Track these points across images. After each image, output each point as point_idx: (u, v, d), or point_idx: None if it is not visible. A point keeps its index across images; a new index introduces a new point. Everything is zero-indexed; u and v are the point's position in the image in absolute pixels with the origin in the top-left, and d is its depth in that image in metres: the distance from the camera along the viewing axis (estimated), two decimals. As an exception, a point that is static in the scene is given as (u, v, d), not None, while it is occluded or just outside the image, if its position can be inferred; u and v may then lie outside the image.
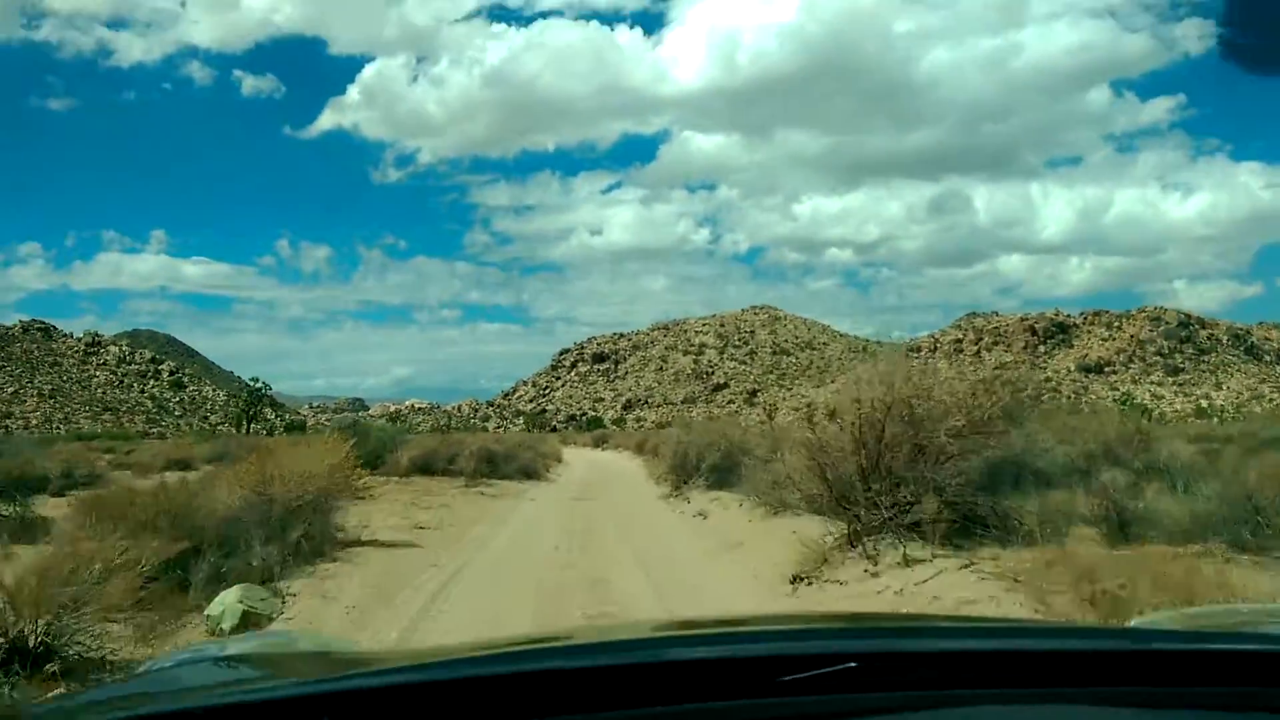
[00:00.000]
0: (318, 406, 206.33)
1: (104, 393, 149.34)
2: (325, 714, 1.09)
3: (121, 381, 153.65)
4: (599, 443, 60.80)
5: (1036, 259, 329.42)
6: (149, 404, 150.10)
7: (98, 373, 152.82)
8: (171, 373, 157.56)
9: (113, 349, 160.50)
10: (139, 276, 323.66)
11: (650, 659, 1.32)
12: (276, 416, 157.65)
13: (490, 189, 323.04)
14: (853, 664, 1.22)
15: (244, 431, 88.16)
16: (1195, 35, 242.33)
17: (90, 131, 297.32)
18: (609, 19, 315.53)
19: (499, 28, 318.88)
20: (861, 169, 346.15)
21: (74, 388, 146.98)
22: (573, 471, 32.45)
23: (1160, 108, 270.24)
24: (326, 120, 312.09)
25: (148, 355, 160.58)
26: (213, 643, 2.06)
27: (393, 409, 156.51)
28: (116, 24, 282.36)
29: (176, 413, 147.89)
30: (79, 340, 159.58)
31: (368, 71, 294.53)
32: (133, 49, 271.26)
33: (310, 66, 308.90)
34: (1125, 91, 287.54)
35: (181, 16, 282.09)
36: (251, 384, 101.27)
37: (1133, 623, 2.02)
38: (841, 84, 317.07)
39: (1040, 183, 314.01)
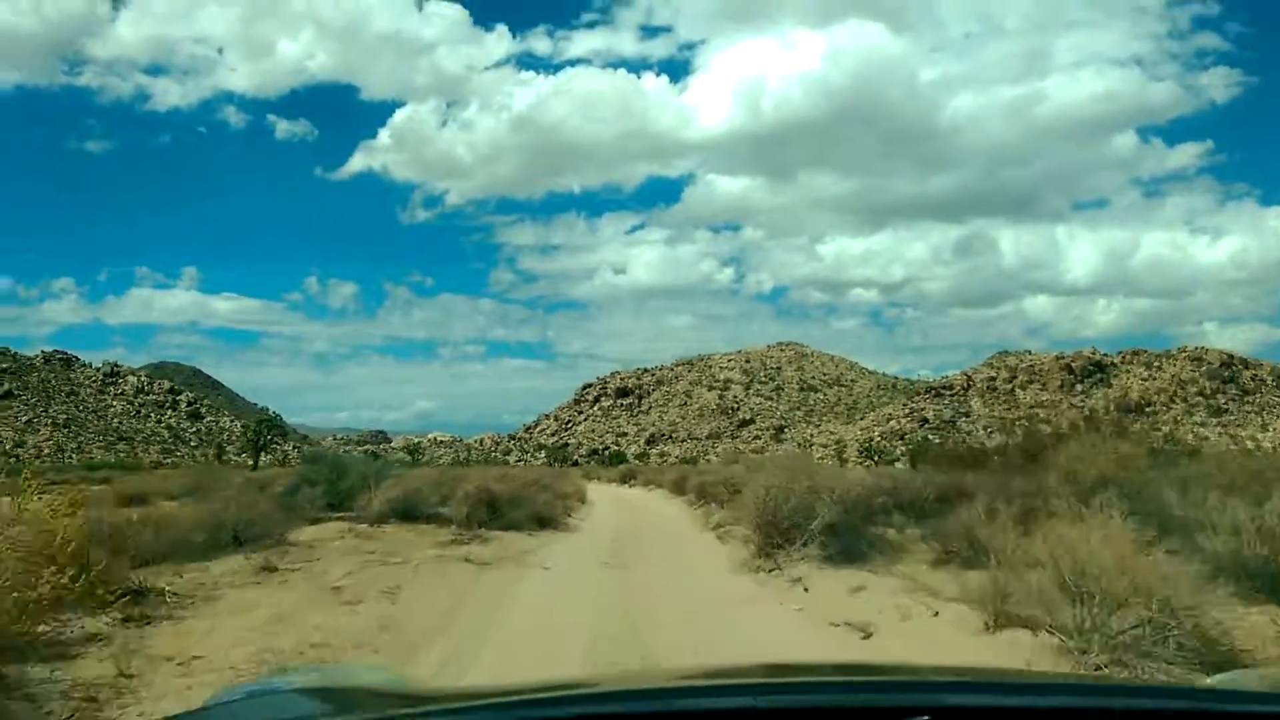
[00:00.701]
0: (341, 439, 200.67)
1: (120, 423, 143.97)
2: None
3: (139, 412, 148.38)
4: (625, 478, 53.78)
5: (1063, 300, 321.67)
6: (165, 434, 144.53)
7: (115, 403, 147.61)
8: (189, 403, 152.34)
9: (131, 379, 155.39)
10: (169, 311, 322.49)
11: (721, 705, 1.28)
12: (294, 447, 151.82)
13: (516, 229, 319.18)
14: (925, 717, 1.19)
15: (254, 464, 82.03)
16: (1221, 84, 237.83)
17: (126, 172, 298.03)
18: (636, 67, 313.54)
19: (527, 75, 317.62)
20: (886, 211, 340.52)
21: (90, 417, 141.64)
22: (599, 516, 25.46)
23: (1187, 153, 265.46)
24: (357, 162, 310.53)
25: (166, 386, 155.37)
26: (277, 677, 2.11)
27: (414, 441, 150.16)
28: (155, 70, 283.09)
29: (193, 443, 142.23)
30: (98, 370, 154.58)
31: (398, 116, 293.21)
32: (169, 94, 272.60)
33: (342, 111, 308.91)
34: (1152, 137, 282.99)
35: (219, 64, 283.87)
36: (262, 414, 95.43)
37: (1210, 681, 1.93)
38: (866, 129, 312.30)
39: (1066, 225, 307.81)
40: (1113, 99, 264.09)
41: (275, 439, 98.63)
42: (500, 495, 18.84)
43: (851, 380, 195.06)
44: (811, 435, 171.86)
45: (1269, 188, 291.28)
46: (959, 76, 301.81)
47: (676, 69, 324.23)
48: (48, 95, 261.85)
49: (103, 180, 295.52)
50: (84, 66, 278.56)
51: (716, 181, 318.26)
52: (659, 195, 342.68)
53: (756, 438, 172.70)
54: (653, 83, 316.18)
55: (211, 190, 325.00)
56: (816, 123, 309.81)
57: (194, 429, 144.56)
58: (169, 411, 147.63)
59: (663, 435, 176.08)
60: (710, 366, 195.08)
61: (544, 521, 19.29)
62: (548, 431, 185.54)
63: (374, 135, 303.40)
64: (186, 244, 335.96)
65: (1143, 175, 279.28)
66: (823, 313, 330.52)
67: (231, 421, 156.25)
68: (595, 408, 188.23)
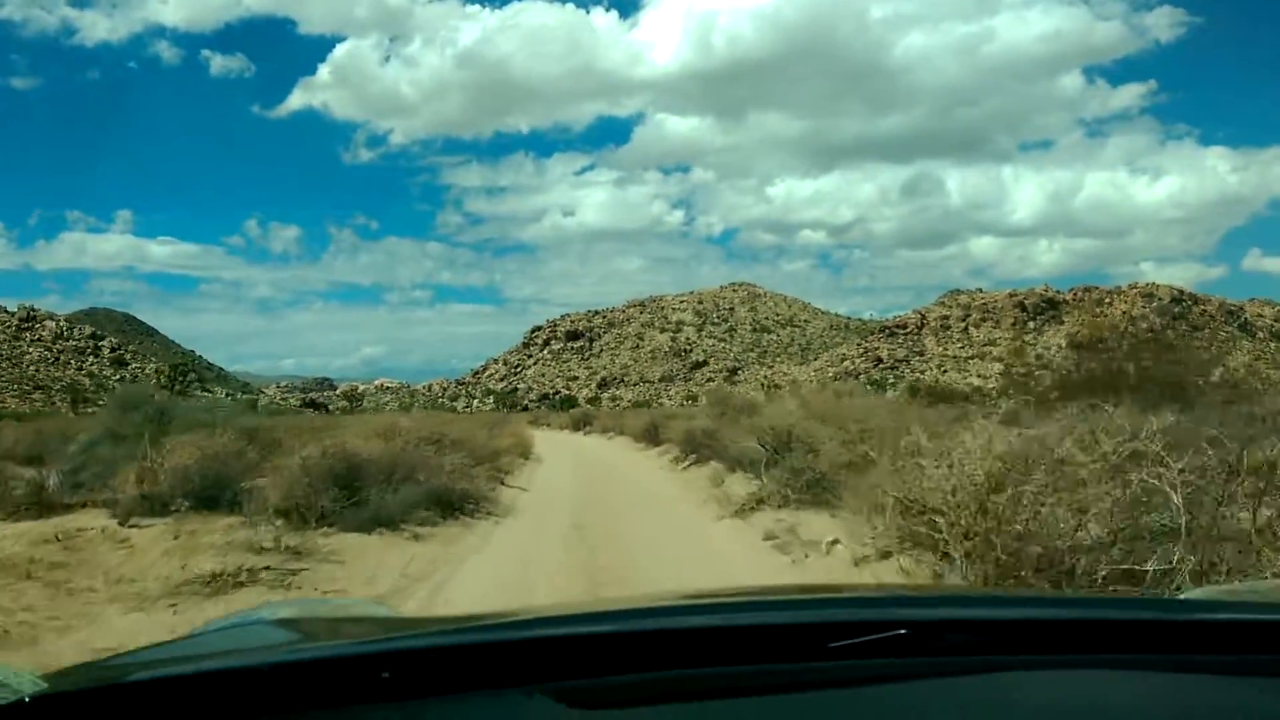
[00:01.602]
0: (285, 386, 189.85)
1: (36, 370, 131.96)
2: (385, 670, 1.09)
3: (57, 359, 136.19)
4: (579, 424, 45.61)
5: (1007, 241, 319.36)
6: (86, 382, 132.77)
7: (31, 349, 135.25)
8: (113, 349, 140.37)
9: (49, 324, 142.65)
10: (104, 256, 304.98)
11: (706, 624, 1.30)
12: (227, 394, 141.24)
13: (463, 170, 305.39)
14: (903, 630, 1.20)
15: None
16: (1166, 23, 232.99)
17: (54, 110, 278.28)
18: (585, 1, 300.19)
19: (473, 9, 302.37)
20: (835, 152, 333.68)
21: (2, 365, 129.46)
22: (548, 483, 17.23)
23: (1131, 93, 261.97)
24: (296, 100, 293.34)
25: (87, 331, 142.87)
26: (264, 607, 2.11)
27: (355, 388, 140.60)
28: (81, 2, 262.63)
29: (117, 391, 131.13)
30: (12, 315, 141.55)
31: (339, 51, 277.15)
32: (98, 28, 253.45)
33: (280, 46, 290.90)
34: (1097, 77, 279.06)
35: None
36: (179, 357, 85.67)
37: (1181, 596, 1.99)
38: (816, 68, 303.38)
39: (1012, 166, 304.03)
40: (1060, 38, 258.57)
41: (194, 385, 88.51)
42: (369, 462, 10.49)
43: (805, 321, 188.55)
44: (766, 376, 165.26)
45: (1208, 127, 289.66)
46: (910, 14, 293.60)
47: (626, 4, 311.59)
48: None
49: (30, 119, 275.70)
50: None
51: (667, 121, 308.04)
52: (608, 135, 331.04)
53: (710, 380, 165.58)
54: (602, 18, 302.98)
55: (145, 129, 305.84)
56: (767, 61, 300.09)
57: (117, 376, 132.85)
58: (90, 359, 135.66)
59: (615, 379, 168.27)
60: (662, 308, 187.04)
61: (452, 504, 11.03)
62: (496, 376, 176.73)
63: (313, 71, 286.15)
64: (120, 186, 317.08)
65: (1087, 115, 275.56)
66: (772, 255, 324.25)
67: (158, 370, 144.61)
68: (545, 351, 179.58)
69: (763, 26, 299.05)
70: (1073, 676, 1.21)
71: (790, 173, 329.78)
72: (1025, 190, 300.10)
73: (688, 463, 18.34)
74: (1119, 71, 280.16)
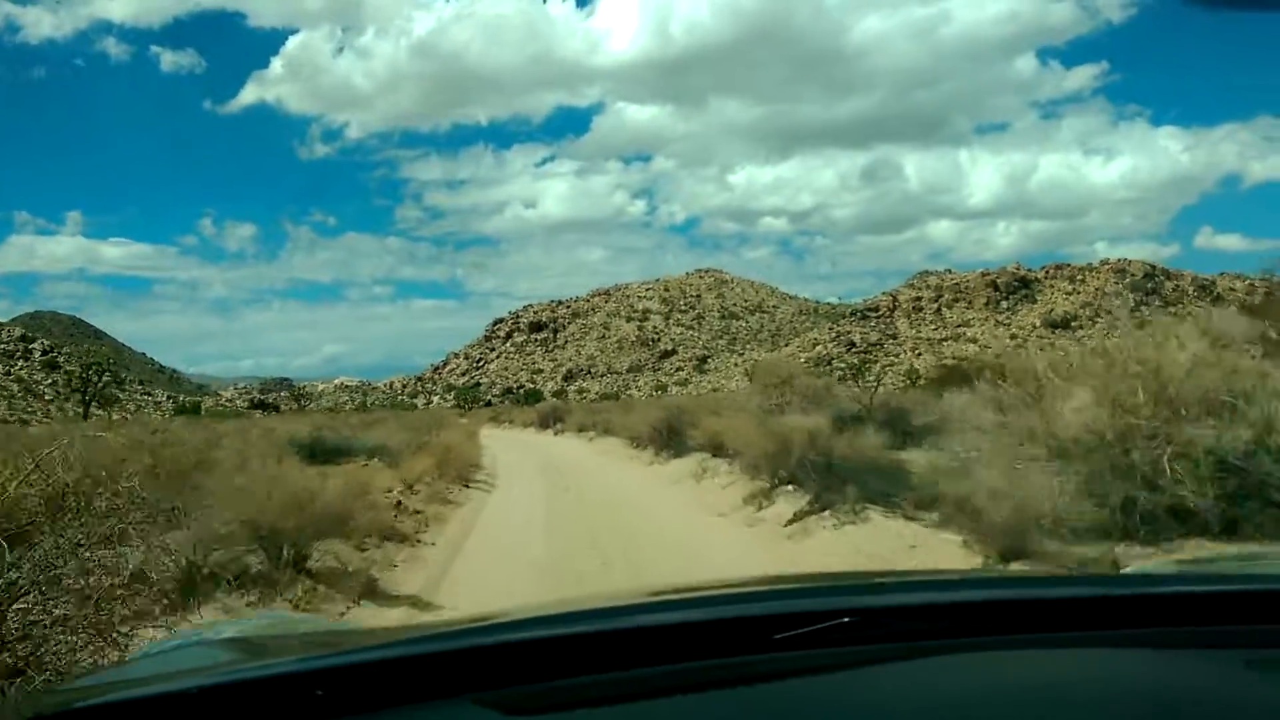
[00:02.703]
0: (242, 388, 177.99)
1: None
2: (319, 688, 1.05)
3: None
4: (547, 421, 36.17)
5: (965, 224, 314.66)
6: (14, 387, 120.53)
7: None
8: (45, 352, 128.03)
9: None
10: (53, 259, 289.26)
11: (647, 623, 1.27)
12: (169, 398, 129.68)
13: (421, 163, 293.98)
14: (846, 619, 1.18)
15: (85, 417, 62.10)
16: (1117, 4, 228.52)
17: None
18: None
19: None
20: (795, 138, 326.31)
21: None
22: (501, 552, 7.49)
23: (1084, 74, 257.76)
24: (249, 94, 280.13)
25: (16, 333, 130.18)
26: (207, 626, 2.04)
27: (302, 388, 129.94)
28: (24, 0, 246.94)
29: (48, 396, 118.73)
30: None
31: (291, 44, 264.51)
32: (42, 24, 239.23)
33: (231, 40, 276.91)
34: (1050, 59, 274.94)
35: None
36: (93, 354, 74.95)
37: (1126, 570, 2.00)
38: (774, 53, 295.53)
39: (969, 149, 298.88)
40: (1015, 20, 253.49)
41: (110, 386, 77.48)
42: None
43: (773, 306, 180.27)
44: (735, 364, 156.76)
45: (1159, 107, 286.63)
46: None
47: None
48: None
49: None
50: None
51: (626, 110, 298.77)
52: (568, 126, 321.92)
53: (679, 369, 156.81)
54: (558, 7, 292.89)
55: (94, 128, 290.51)
56: (726, 47, 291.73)
57: (49, 380, 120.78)
58: (20, 362, 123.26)
59: (581, 371, 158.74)
60: (628, 297, 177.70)
61: None
62: (458, 371, 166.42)
63: (266, 65, 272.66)
64: (69, 186, 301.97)
65: (1041, 97, 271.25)
66: (735, 243, 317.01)
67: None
68: (508, 344, 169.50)
69: (720, 12, 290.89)
70: (1016, 656, 1.20)
71: (751, 160, 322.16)
72: (982, 173, 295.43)
73: (822, 518, 8.80)
74: (1072, 53, 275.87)
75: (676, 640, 1.19)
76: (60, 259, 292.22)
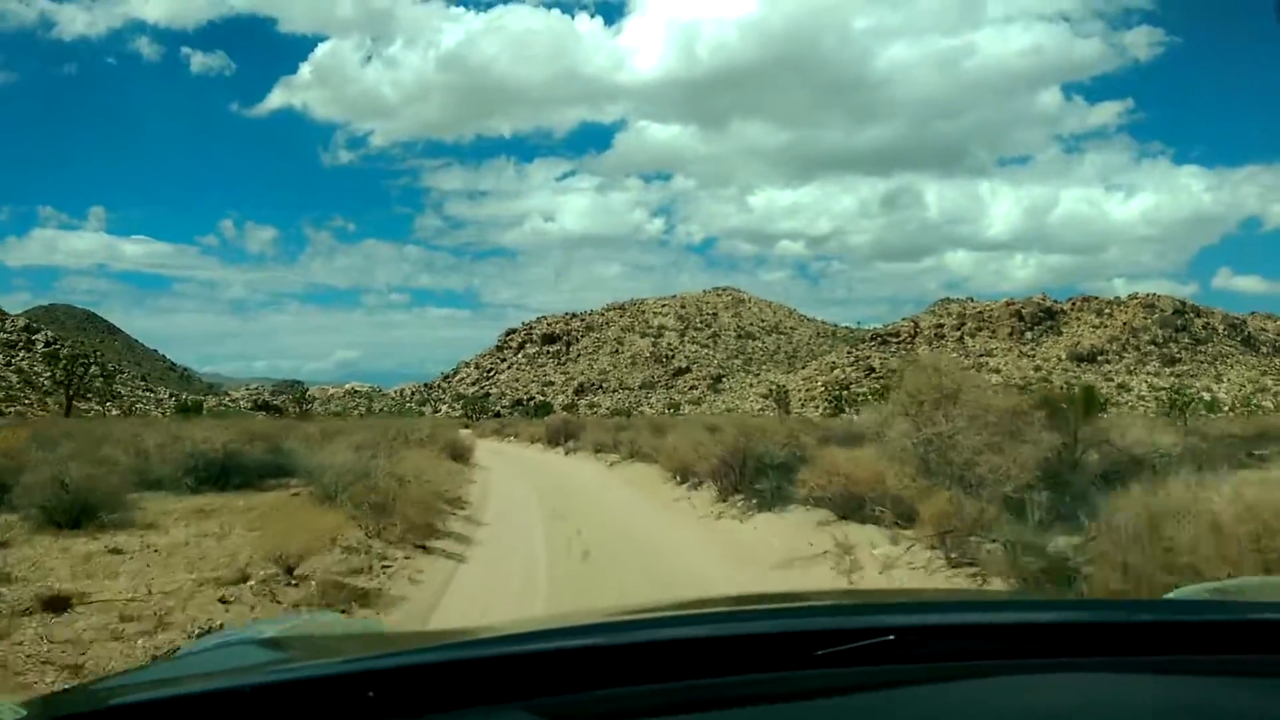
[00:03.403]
0: (255, 389, 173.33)
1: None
2: (371, 689, 1.05)
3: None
4: (557, 439, 30.42)
5: (983, 255, 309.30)
6: (13, 378, 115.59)
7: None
8: (47, 344, 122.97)
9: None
10: (75, 254, 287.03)
11: (691, 635, 1.26)
12: (171, 396, 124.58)
13: (443, 173, 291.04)
14: (890, 636, 1.17)
15: (68, 411, 56.85)
16: (1145, 42, 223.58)
17: (29, 105, 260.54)
18: (569, 6, 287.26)
19: (457, 10, 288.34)
20: (815, 163, 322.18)
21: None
22: None
23: (1108, 111, 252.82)
24: (276, 99, 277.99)
25: (20, 324, 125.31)
26: (249, 626, 2.00)
27: (303, 390, 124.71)
28: None
29: (46, 388, 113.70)
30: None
31: (320, 51, 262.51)
32: (76, 22, 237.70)
33: (261, 44, 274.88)
34: (1075, 94, 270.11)
35: None
36: (62, 349, 69.78)
37: (1169, 595, 1.91)
38: (799, 78, 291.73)
39: (990, 181, 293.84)
40: (1040, 54, 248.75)
41: (98, 380, 72.04)
42: None
43: (790, 328, 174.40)
44: (750, 384, 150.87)
45: (1182, 146, 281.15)
46: (893, 26, 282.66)
47: (611, 10, 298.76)
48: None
49: (3, 113, 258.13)
50: None
51: (649, 128, 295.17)
52: (590, 141, 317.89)
53: (693, 387, 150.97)
54: (586, 24, 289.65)
55: (121, 126, 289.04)
56: (751, 70, 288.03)
57: (48, 373, 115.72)
58: (21, 353, 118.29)
59: (592, 385, 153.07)
60: (643, 312, 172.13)
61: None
62: (468, 380, 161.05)
63: (294, 71, 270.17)
64: (94, 182, 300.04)
65: (1064, 132, 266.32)
66: (751, 264, 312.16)
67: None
68: (519, 355, 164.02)
69: (747, 35, 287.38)
70: (1060, 680, 1.18)
71: (770, 183, 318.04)
72: (1002, 205, 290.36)
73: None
74: (1097, 89, 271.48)
75: (718, 654, 1.17)
76: (82, 254, 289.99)
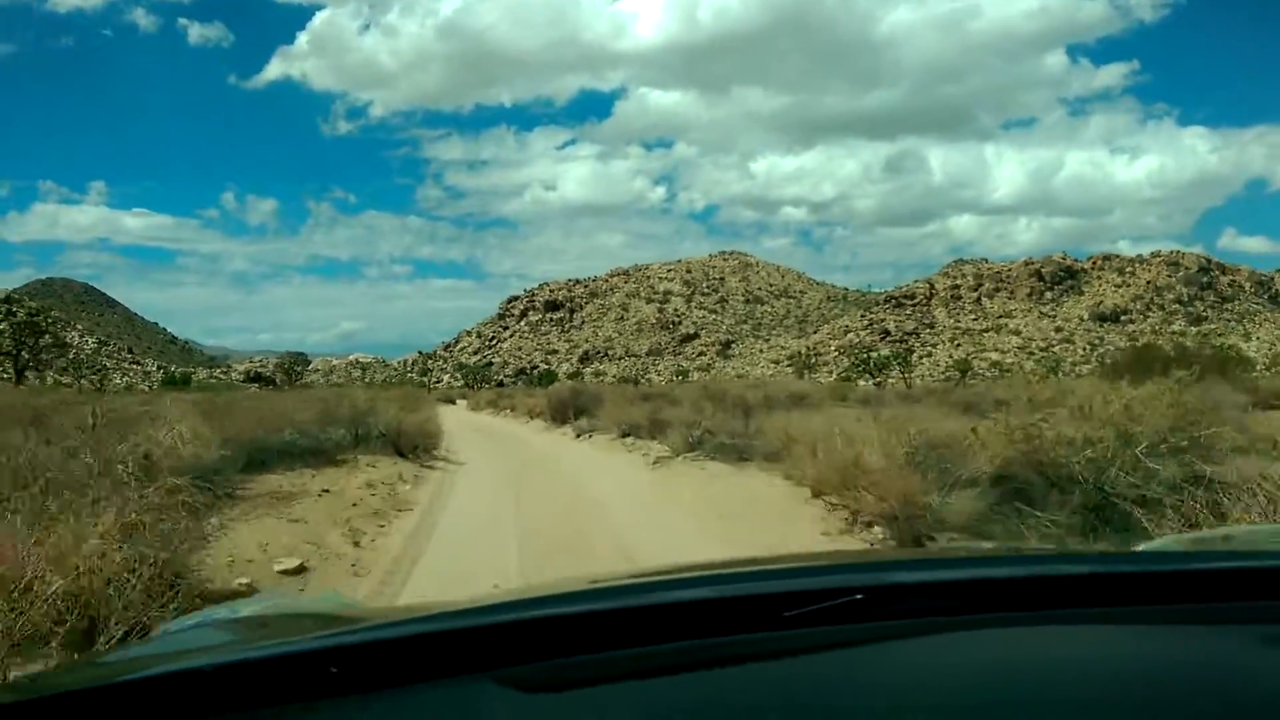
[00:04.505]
0: (258, 361, 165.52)
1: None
2: (333, 665, 1.03)
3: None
4: (564, 414, 21.70)
5: (987, 219, 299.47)
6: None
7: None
8: (30, 315, 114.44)
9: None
10: (77, 228, 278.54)
11: (659, 600, 1.24)
12: (158, 368, 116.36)
13: (443, 143, 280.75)
14: (859, 595, 1.15)
15: (17, 382, 48.55)
16: (1150, 3, 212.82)
17: (26, 78, 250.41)
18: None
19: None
20: (818, 128, 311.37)
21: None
22: None
23: (1114, 73, 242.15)
24: (274, 70, 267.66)
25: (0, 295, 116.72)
26: (225, 606, 1.95)
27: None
28: None
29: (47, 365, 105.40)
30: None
31: (317, 20, 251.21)
32: None
33: (258, 14, 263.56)
34: (1081, 56, 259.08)
35: None
36: (28, 315, 61.29)
37: (1140, 547, 1.85)
38: (801, 43, 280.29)
39: (995, 144, 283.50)
40: (1045, 15, 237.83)
41: (50, 350, 63.42)
42: None
43: (800, 291, 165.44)
44: (760, 350, 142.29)
45: (1188, 107, 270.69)
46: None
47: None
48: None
49: (1, 86, 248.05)
50: None
51: (649, 95, 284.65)
52: (591, 109, 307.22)
53: (701, 354, 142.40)
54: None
55: (120, 98, 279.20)
56: (752, 35, 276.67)
57: (28, 345, 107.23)
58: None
59: (598, 352, 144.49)
60: (648, 277, 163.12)
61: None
62: (470, 350, 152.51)
63: (292, 40, 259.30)
64: (94, 156, 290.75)
65: (1069, 94, 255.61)
66: (754, 231, 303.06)
67: (83, 338, 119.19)
68: (522, 323, 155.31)
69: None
70: (1029, 633, 1.17)
71: (773, 149, 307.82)
72: (1007, 168, 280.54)
73: None
74: (1102, 50, 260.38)
75: (689, 617, 1.15)
76: (83, 228, 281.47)
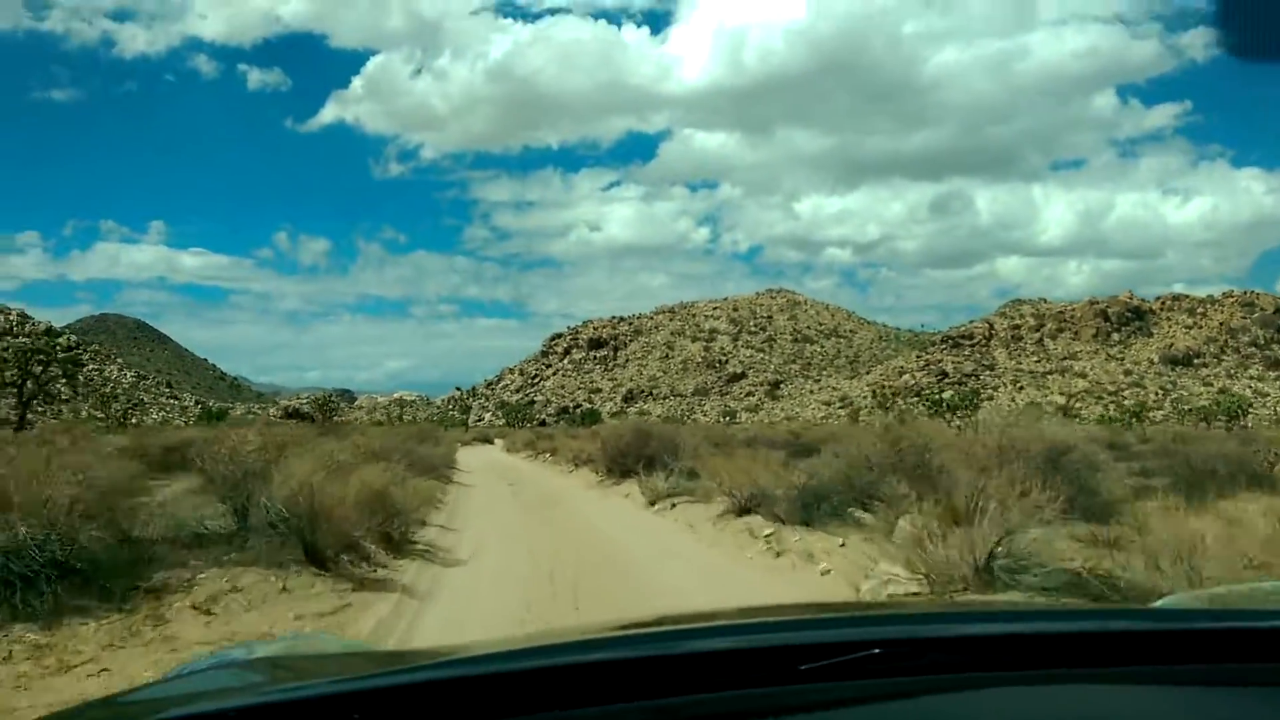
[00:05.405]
0: (306, 398, 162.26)
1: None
2: (355, 712, 0.99)
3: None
4: (625, 465, 14.69)
5: (1035, 261, 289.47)
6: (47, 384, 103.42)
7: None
8: (67, 349, 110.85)
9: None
10: (136, 267, 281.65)
11: (673, 650, 1.19)
12: (196, 403, 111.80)
13: (492, 184, 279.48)
14: (876, 650, 1.11)
15: (20, 422, 43.20)
16: (1201, 43, 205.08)
17: (92, 122, 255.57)
18: (616, 17, 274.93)
19: (505, 22, 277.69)
20: (863, 169, 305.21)
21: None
22: None
23: (1165, 114, 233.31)
24: (329, 113, 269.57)
25: (41, 327, 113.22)
26: (241, 646, 1.95)
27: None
28: (121, 15, 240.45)
29: (64, 396, 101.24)
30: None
31: (371, 65, 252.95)
32: (137, 40, 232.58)
33: (315, 60, 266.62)
34: (1131, 97, 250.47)
35: (189, 9, 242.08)
36: (33, 344, 56.29)
37: (1158, 604, 1.80)
38: (846, 84, 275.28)
39: (1042, 185, 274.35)
40: (1094, 56, 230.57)
41: (59, 380, 58.00)
42: None
43: (850, 331, 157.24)
44: (811, 391, 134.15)
45: (1242, 148, 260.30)
46: (943, 30, 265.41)
47: (657, 19, 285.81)
48: (11, 41, 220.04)
49: (68, 130, 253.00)
50: (48, 11, 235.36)
51: (694, 137, 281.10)
52: (636, 151, 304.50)
53: (749, 394, 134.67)
54: (633, 34, 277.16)
55: (180, 141, 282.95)
56: (797, 77, 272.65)
57: (66, 379, 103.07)
58: (41, 357, 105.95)
59: (642, 391, 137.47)
60: (694, 315, 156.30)
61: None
62: (512, 388, 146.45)
63: (346, 85, 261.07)
64: (154, 196, 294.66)
65: (1119, 135, 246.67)
66: (798, 271, 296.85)
67: (120, 371, 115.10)
68: (565, 361, 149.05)
69: (795, 42, 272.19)
70: (1049, 691, 1.13)
71: (817, 189, 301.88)
72: (1055, 210, 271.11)
73: None
74: (1153, 91, 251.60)
75: (702, 670, 1.11)
76: (142, 266, 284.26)
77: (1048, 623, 1.38)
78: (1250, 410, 76.01)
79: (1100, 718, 1.06)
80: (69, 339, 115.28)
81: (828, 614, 1.67)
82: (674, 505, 10.88)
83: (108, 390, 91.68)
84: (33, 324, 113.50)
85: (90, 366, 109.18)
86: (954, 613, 1.77)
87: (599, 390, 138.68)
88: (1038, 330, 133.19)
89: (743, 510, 8.99)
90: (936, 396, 64.86)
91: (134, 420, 74.80)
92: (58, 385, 59.19)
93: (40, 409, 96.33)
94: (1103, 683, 1.13)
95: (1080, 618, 1.53)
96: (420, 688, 1.06)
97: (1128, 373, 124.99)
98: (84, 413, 79.54)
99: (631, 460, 15.38)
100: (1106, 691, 1.12)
